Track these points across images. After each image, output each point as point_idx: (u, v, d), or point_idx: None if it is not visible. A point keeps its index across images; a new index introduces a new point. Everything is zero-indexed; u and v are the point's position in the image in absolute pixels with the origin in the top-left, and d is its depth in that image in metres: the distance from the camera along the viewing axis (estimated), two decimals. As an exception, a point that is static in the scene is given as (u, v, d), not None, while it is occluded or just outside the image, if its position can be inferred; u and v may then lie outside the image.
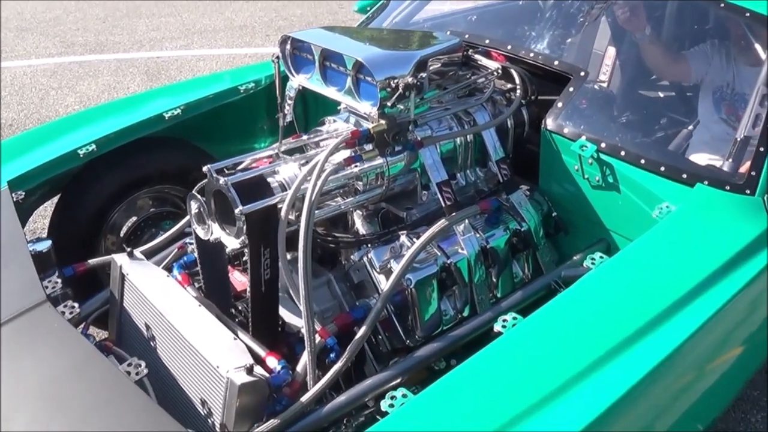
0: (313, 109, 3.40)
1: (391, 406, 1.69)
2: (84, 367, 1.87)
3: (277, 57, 2.64)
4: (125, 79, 6.93)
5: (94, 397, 1.79)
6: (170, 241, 2.66)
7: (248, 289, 2.17)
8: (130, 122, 2.96)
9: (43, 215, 3.90)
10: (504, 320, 1.91)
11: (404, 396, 1.72)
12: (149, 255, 2.57)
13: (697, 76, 3.03)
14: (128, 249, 2.42)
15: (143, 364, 1.91)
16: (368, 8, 3.84)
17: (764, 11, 2.64)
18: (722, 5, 2.73)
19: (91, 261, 2.64)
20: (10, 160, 2.77)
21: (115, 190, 2.97)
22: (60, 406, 1.77)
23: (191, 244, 2.57)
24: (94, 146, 2.83)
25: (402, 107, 2.29)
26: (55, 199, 2.98)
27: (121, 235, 3.07)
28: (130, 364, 1.89)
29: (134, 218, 3.09)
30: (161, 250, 2.64)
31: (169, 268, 2.51)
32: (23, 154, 2.81)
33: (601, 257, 2.16)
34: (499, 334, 1.86)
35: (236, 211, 2.00)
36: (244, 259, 2.56)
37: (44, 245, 2.47)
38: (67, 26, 8.78)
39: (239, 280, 2.48)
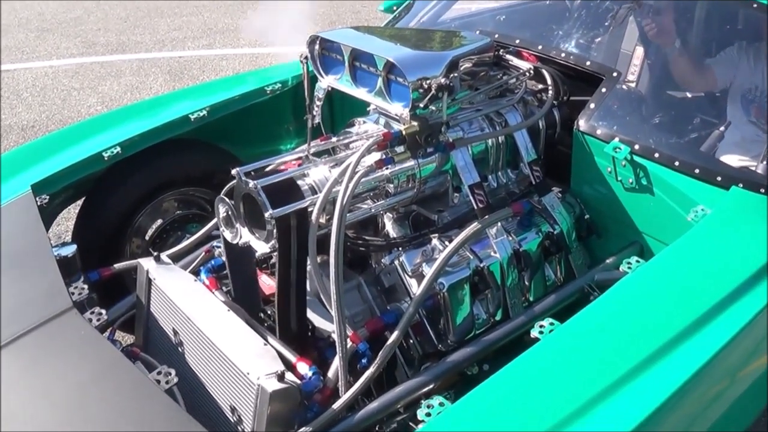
0: (339, 111, 3.38)
1: (428, 414, 1.66)
2: (112, 375, 1.86)
3: (306, 57, 2.61)
4: (148, 79, 6.95)
5: (121, 405, 1.77)
6: (197, 245, 2.65)
7: (276, 294, 2.15)
8: (155, 124, 2.95)
9: (66, 217, 3.89)
10: (541, 326, 1.87)
11: (441, 405, 1.68)
12: (176, 259, 2.56)
13: (723, 82, 2.99)
14: (155, 253, 2.40)
15: (173, 372, 1.88)
16: (394, 8, 3.81)
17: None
18: (755, 5, 2.69)
19: (117, 265, 2.63)
20: (34, 163, 2.76)
21: (141, 193, 2.96)
22: (87, 414, 1.75)
23: (218, 247, 2.56)
24: (119, 149, 2.81)
25: (434, 108, 2.26)
26: (79, 202, 2.98)
27: (147, 238, 3.06)
28: (159, 372, 1.86)
29: (160, 221, 3.09)
30: (188, 253, 2.63)
31: (196, 272, 2.50)
32: (47, 157, 2.80)
33: (638, 261, 2.12)
34: (536, 340, 1.82)
35: (266, 215, 1.98)
36: (272, 262, 2.55)
37: (69, 250, 2.46)
38: (89, 26, 8.81)
39: (267, 284, 2.46)
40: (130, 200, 2.93)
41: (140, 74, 7.09)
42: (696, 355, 1.77)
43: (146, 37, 8.37)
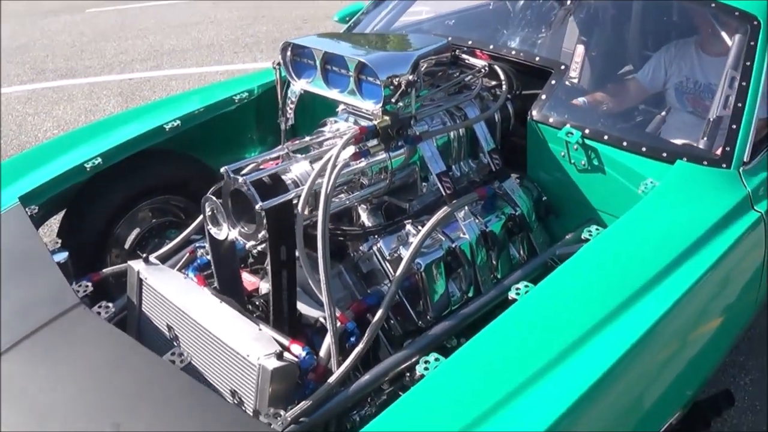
0: (301, 118, 3.52)
1: (426, 369, 1.83)
2: (129, 359, 1.96)
3: (278, 64, 2.77)
4: (101, 102, 7.01)
5: (143, 384, 1.87)
6: (181, 247, 2.75)
7: (269, 282, 2.28)
8: (132, 135, 3.05)
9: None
10: (517, 288, 2.06)
11: (437, 360, 1.86)
12: (161, 261, 2.64)
13: (655, 87, 3.25)
14: (143, 255, 2.51)
15: (185, 353, 2.01)
16: (347, 18, 3.98)
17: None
18: (713, 4, 2.91)
19: (106, 270, 2.71)
20: (19, 176, 2.84)
21: (119, 203, 3.05)
22: (113, 394, 1.86)
23: (201, 247, 2.68)
24: (99, 159, 2.91)
25: (401, 104, 2.44)
26: (59, 215, 3.05)
27: (126, 247, 3.14)
28: (173, 353, 2.00)
29: (137, 230, 3.17)
30: (172, 255, 2.73)
31: (182, 272, 2.61)
32: (31, 170, 2.88)
33: (597, 229, 2.32)
34: (514, 300, 2.01)
35: (257, 207, 2.12)
36: (251, 261, 2.70)
37: (61, 257, 2.55)
38: (36, 53, 8.83)
39: (249, 280, 2.59)
40: (109, 210, 3.02)
41: (92, 97, 7.15)
42: (649, 313, 1.96)
43: (94, 61, 8.42)
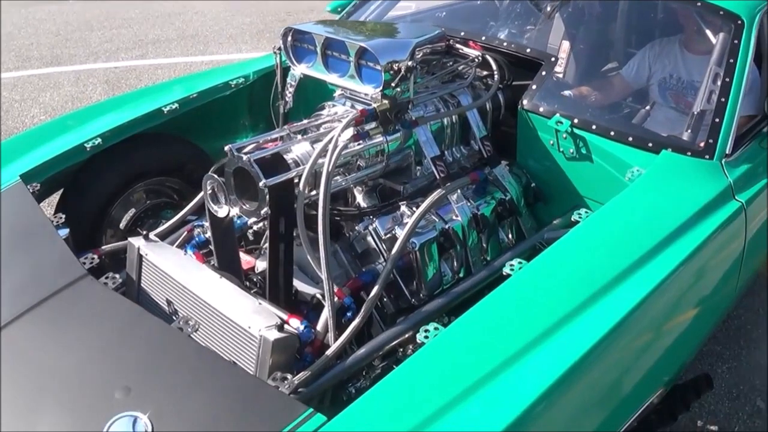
0: (295, 105, 3.60)
1: (426, 337, 1.92)
2: (138, 327, 2.02)
3: (279, 48, 2.85)
4: (87, 89, 7.03)
5: (151, 350, 1.94)
6: (177, 226, 2.82)
7: (267, 258, 2.36)
8: (130, 117, 3.12)
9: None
10: (511, 264, 2.16)
11: (436, 329, 1.94)
12: (160, 239, 2.71)
13: (639, 82, 3.36)
14: (143, 232, 2.57)
15: (191, 320, 2.08)
16: (339, 8, 4.06)
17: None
18: (699, 3, 3.03)
19: (107, 246, 2.76)
20: (19, 155, 2.90)
21: (117, 184, 3.11)
22: (122, 359, 1.92)
23: (199, 226, 2.75)
24: (99, 140, 2.97)
25: (399, 89, 2.52)
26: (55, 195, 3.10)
27: (121, 227, 3.20)
28: (180, 321, 2.06)
29: (133, 210, 3.24)
30: (170, 234, 2.79)
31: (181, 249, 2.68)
32: (31, 150, 2.93)
33: (587, 212, 2.42)
34: (508, 276, 2.10)
35: (260, 184, 2.19)
36: (248, 240, 2.78)
37: (62, 233, 2.60)
38: (21, 41, 8.82)
39: (246, 259, 2.67)
40: (107, 191, 3.08)
41: (78, 85, 7.17)
42: (633, 294, 2.05)
43: (79, 50, 8.42)
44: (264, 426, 1.66)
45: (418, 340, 1.95)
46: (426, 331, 1.96)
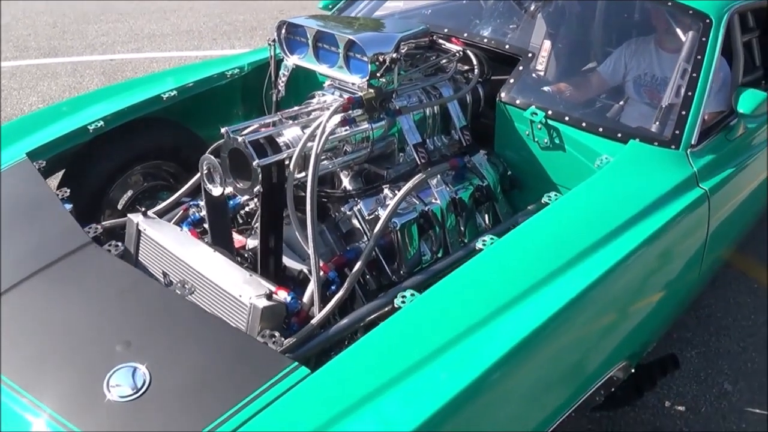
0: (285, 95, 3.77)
1: (403, 302, 2.09)
2: (139, 289, 2.19)
3: (273, 41, 3.02)
4: (84, 80, 7.17)
5: (152, 310, 2.11)
6: (173, 206, 2.97)
7: (258, 235, 2.53)
8: (132, 102, 3.29)
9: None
10: (483, 240, 2.33)
11: (412, 295, 2.12)
12: (157, 217, 2.88)
13: (615, 79, 3.54)
14: (142, 209, 2.73)
15: (188, 284, 2.24)
16: (330, 6, 4.23)
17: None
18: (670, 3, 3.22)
19: (106, 222, 2.89)
20: (25, 134, 3.06)
21: (116, 165, 3.27)
22: (126, 319, 2.09)
23: (194, 206, 2.91)
24: (101, 122, 3.14)
25: (384, 80, 2.70)
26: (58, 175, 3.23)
27: (119, 207, 3.35)
28: (177, 284, 2.23)
29: (130, 192, 3.39)
30: (166, 213, 2.94)
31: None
32: (37, 130, 3.10)
33: (556, 195, 2.60)
34: (480, 250, 2.28)
35: (254, 163, 2.36)
36: (239, 222, 2.94)
37: (66, 207, 2.76)
38: (18, 32, 8.93)
39: (237, 238, 2.83)
40: (107, 172, 3.23)
41: (76, 75, 7.30)
42: (600, 265, 2.23)
43: (76, 42, 8.54)
44: (253, 376, 1.82)
45: (395, 305, 2.11)
46: (403, 297, 2.13)
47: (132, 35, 8.88)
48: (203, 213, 2.81)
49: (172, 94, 3.38)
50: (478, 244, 2.34)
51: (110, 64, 7.69)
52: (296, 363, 1.84)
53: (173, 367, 1.89)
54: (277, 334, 2.07)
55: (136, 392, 1.80)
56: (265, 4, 10.53)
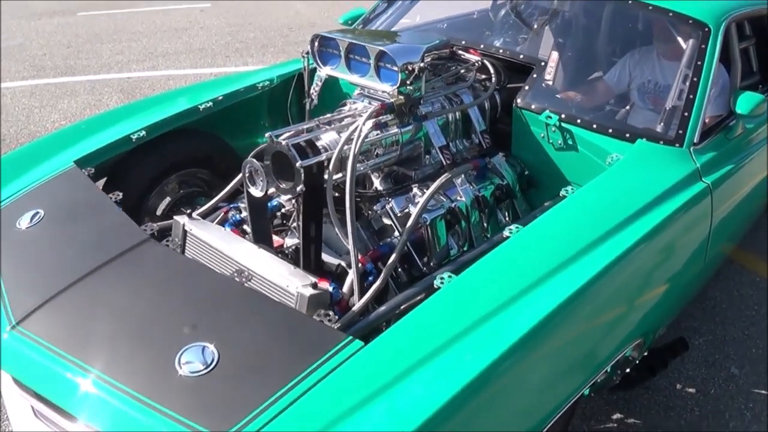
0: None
1: (442, 282, 2.31)
2: (199, 277, 2.40)
3: (307, 53, 3.26)
4: (103, 98, 7.39)
5: (213, 296, 2.31)
6: (214, 209, 3.17)
7: (300, 231, 2.73)
8: (171, 113, 3.51)
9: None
10: (510, 228, 2.55)
11: (450, 276, 2.34)
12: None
13: (620, 87, 3.77)
14: (187, 211, 2.92)
15: (245, 272, 2.45)
16: (350, 21, 4.46)
17: (684, 10, 3.38)
18: (650, 7, 3.45)
19: (155, 224, 3.11)
20: (72, 143, 3.28)
21: (156, 173, 3.49)
22: (186, 305, 2.29)
23: (234, 209, 3.13)
24: (143, 132, 3.36)
25: (412, 87, 2.92)
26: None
27: (158, 214, 3.56)
28: (235, 273, 2.44)
29: (168, 199, 3.60)
30: (208, 216, 3.13)
31: (219, 228, 3.05)
32: (83, 138, 3.32)
33: (573, 188, 2.82)
34: (507, 238, 2.50)
35: (297, 165, 2.58)
36: (279, 223, 3.15)
37: None
38: (33, 52, 9.18)
39: (275, 239, 3.03)
40: (147, 179, 3.44)
41: (94, 93, 7.52)
42: (612, 252, 2.44)
43: (92, 61, 8.78)
44: (313, 349, 2.03)
45: (435, 285, 2.33)
46: (441, 278, 2.34)
47: (146, 54, 9.13)
48: (243, 215, 3.03)
49: (208, 105, 3.61)
50: (506, 233, 2.55)
51: (128, 82, 7.93)
52: (351, 337, 2.05)
53: (238, 345, 2.09)
54: (330, 313, 2.28)
55: (207, 368, 1.99)
56: (274, 23, 10.80)
